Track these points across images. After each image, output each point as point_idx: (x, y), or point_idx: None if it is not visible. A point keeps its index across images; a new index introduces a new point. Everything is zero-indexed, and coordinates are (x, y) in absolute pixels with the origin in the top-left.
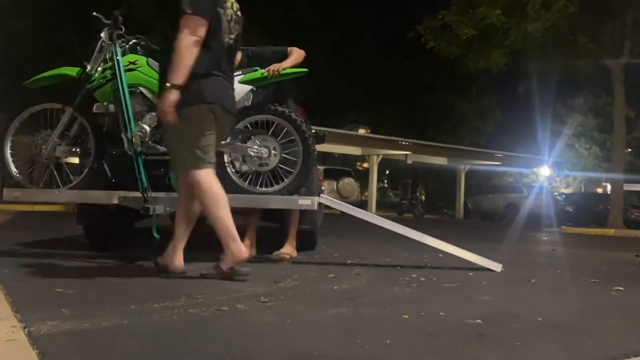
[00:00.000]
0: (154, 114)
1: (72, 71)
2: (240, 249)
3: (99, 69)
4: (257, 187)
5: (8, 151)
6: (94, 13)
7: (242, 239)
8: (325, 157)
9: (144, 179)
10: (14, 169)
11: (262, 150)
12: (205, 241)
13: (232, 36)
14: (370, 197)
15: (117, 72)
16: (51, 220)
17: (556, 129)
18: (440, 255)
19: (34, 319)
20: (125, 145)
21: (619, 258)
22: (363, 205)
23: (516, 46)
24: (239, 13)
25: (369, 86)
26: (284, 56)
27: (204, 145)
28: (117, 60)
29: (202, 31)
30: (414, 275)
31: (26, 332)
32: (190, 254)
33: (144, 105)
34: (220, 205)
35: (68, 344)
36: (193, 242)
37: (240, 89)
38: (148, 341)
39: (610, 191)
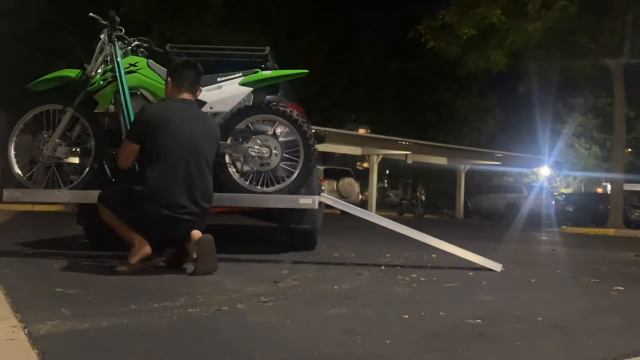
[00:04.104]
0: None
1: (73, 73)
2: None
3: (99, 70)
4: (259, 187)
5: (12, 152)
6: (91, 14)
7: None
8: (325, 157)
9: None
10: (17, 170)
11: (263, 150)
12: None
13: None
14: (370, 197)
15: (118, 74)
16: (51, 220)
17: (556, 129)
18: (440, 255)
19: (34, 319)
20: None
21: (619, 258)
22: (363, 205)
23: (516, 46)
24: None
25: (369, 86)
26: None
27: None
28: (117, 62)
29: None
30: (414, 275)
31: (26, 332)
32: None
33: None
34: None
35: (68, 344)
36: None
37: (241, 91)
38: (148, 341)
39: (610, 191)
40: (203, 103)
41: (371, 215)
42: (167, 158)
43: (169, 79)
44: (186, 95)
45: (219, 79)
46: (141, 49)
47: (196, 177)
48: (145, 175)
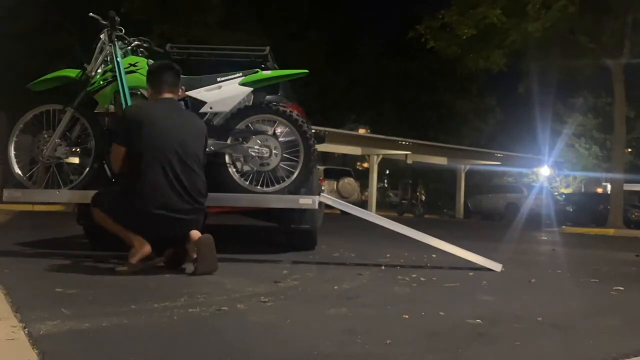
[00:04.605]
0: None
1: (73, 73)
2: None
3: (99, 70)
4: (259, 187)
5: (12, 152)
6: (91, 14)
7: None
8: (325, 157)
9: None
10: (17, 170)
11: (263, 150)
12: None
13: None
14: (370, 197)
15: (118, 74)
16: (51, 220)
17: (556, 128)
18: (440, 255)
19: (34, 319)
20: None
21: (619, 258)
22: (363, 205)
23: (516, 46)
24: None
25: (369, 86)
26: None
27: None
28: (117, 62)
29: None
30: (414, 275)
31: (26, 332)
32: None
33: None
34: None
35: (68, 344)
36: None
37: (241, 91)
38: (148, 341)
39: (610, 191)
40: (203, 103)
41: (371, 215)
42: (152, 157)
43: (148, 86)
44: (167, 95)
45: (219, 79)
46: (141, 49)
47: (183, 174)
48: (133, 176)
